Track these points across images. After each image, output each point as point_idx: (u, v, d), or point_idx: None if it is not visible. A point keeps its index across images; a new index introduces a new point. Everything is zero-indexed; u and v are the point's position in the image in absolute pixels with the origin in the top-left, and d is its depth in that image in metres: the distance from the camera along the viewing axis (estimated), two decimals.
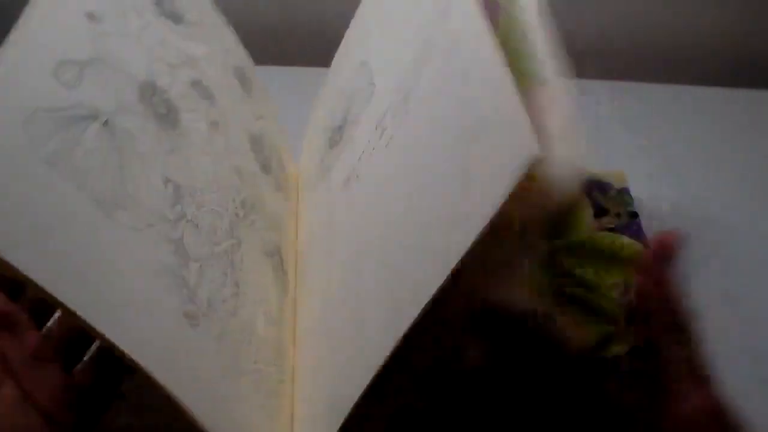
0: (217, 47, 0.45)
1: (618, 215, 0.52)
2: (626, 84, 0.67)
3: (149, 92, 0.36)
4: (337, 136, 0.45)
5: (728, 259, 0.52)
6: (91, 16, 0.35)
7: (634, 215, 0.52)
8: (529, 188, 0.25)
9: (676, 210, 0.55)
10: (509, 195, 0.25)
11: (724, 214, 0.56)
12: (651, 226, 0.53)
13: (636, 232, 0.51)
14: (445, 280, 0.27)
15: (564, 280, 0.49)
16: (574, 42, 0.69)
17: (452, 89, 0.32)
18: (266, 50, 0.72)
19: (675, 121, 0.64)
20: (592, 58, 0.71)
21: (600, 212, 0.53)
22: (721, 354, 0.44)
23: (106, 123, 0.33)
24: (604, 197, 0.54)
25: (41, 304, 0.33)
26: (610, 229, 0.52)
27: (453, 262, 0.27)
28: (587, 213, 0.53)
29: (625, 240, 0.51)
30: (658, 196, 0.56)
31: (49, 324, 0.34)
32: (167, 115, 0.37)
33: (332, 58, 0.71)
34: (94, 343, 0.34)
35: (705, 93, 0.66)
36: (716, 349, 0.44)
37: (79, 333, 0.34)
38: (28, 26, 0.31)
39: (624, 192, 0.54)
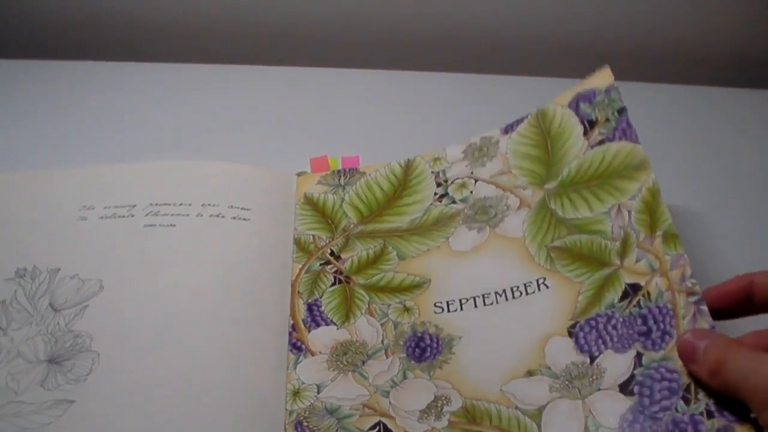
0: None
1: (607, 120, 0.49)
2: (626, 84, 0.66)
3: None
4: None
5: (727, 260, 0.52)
6: None
7: (622, 111, 0.49)
8: None
9: (675, 210, 0.55)
10: None
11: (724, 214, 0.55)
12: None
13: (625, 131, 0.48)
14: None
15: (557, 232, 0.47)
16: (575, 42, 0.69)
17: None
18: (264, 50, 0.73)
19: (674, 121, 0.63)
20: (593, 58, 0.72)
21: (589, 125, 0.50)
22: None
23: None
24: (592, 107, 0.50)
25: None
26: (600, 142, 0.48)
27: None
28: (575, 136, 0.50)
29: (614, 148, 0.48)
30: None
31: None
32: None
33: (329, 58, 0.72)
34: None
35: (705, 93, 0.66)
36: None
37: None
38: None
39: (610, 90, 0.50)
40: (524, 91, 0.66)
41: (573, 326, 0.43)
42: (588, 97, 0.51)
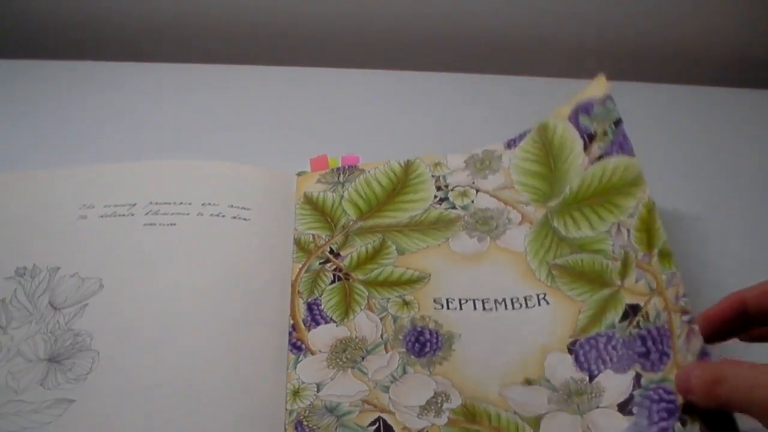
0: None
1: (605, 134, 0.49)
2: (626, 84, 0.66)
3: None
4: None
5: (728, 260, 0.52)
6: None
7: (618, 123, 0.49)
8: None
9: (675, 210, 0.55)
10: None
11: (724, 214, 0.55)
12: None
13: (622, 145, 0.48)
14: None
15: (559, 250, 0.48)
16: (575, 42, 0.69)
17: None
18: (264, 50, 0.73)
19: (674, 121, 0.63)
20: (593, 58, 0.72)
21: (589, 139, 0.50)
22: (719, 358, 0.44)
23: None
24: (590, 120, 0.50)
25: None
26: (599, 157, 0.49)
27: None
28: (576, 152, 0.50)
29: (612, 163, 0.48)
30: (656, 196, 0.55)
31: None
32: None
33: (329, 58, 0.72)
34: None
35: (705, 93, 0.66)
36: (715, 353, 0.44)
37: None
38: None
39: (607, 100, 0.50)
40: (524, 91, 0.66)
41: (573, 343, 0.44)
42: (587, 108, 0.51)
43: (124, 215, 0.50)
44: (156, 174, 0.52)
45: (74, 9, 0.69)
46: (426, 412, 0.41)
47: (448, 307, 0.46)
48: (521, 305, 0.46)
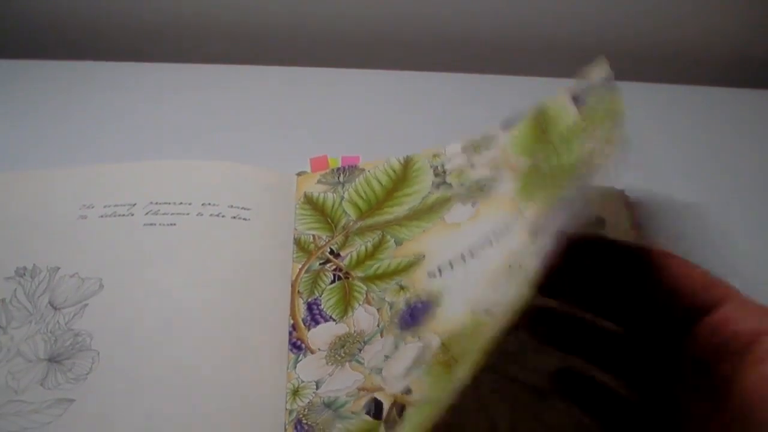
0: None
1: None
2: (626, 84, 0.66)
3: None
4: None
5: (727, 260, 0.52)
6: None
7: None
8: None
9: (675, 210, 0.55)
10: None
11: (724, 214, 0.55)
12: (648, 227, 0.53)
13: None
14: None
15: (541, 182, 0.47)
16: (575, 42, 0.69)
17: None
18: (267, 50, 0.73)
19: (674, 121, 0.63)
20: (593, 58, 0.72)
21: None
22: None
23: None
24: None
25: None
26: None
27: None
28: (568, 122, 0.48)
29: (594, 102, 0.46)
30: (656, 196, 0.55)
31: None
32: None
33: (329, 58, 0.72)
34: None
35: (705, 93, 0.66)
36: None
37: None
38: None
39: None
40: (524, 91, 0.66)
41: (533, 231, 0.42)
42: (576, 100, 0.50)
43: (124, 215, 0.50)
44: (156, 174, 0.52)
45: (74, 9, 0.69)
46: (411, 370, 0.41)
47: (441, 275, 0.46)
48: (502, 233, 0.45)
